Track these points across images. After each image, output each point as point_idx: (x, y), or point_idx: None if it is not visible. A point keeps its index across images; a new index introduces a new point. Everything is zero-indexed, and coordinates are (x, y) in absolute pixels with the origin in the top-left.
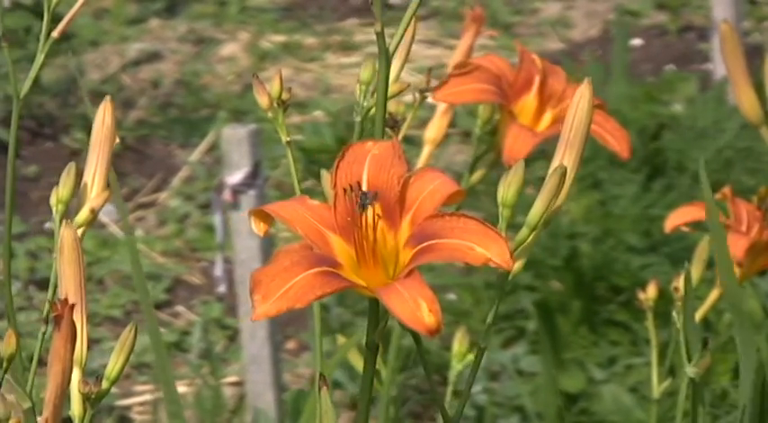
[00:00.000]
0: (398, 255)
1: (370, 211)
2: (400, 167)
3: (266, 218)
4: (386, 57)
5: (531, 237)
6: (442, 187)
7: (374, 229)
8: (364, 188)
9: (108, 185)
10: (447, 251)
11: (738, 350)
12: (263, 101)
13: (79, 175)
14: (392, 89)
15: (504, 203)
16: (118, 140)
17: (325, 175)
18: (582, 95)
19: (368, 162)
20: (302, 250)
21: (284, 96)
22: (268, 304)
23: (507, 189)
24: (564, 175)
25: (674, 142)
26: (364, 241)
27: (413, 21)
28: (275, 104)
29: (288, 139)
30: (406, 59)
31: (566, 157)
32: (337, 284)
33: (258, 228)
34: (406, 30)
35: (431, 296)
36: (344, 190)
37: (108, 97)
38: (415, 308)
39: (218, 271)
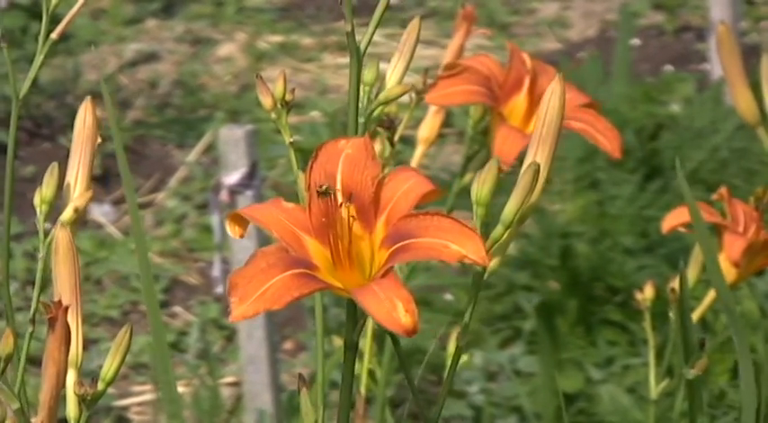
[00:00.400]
0: (374, 255)
1: (344, 212)
2: (374, 168)
3: (242, 221)
4: (357, 56)
5: (506, 234)
6: (416, 186)
7: (349, 230)
8: (338, 189)
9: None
10: (422, 250)
11: (737, 355)
12: (266, 101)
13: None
14: (395, 91)
15: (478, 202)
16: (100, 140)
17: (301, 177)
18: (553, 92)
19: (341, 162)
20: (278, 252)
21: (287, 97)
22: (245, 306)
23: (481, 187)
24: (537, 171)
25: (671, 142)
26: (339, 242)
27: (417, 21)
28: (278, 105)
29: (291, 139)
30: (410, 61)
31: (538, 153)
32: (313, 286)
33: (233, 231)
34: (375, 29)
35: (407, 296)
36: (318, 191)
37: (89, 98)
38: (390, 308)
39: (216, 271)
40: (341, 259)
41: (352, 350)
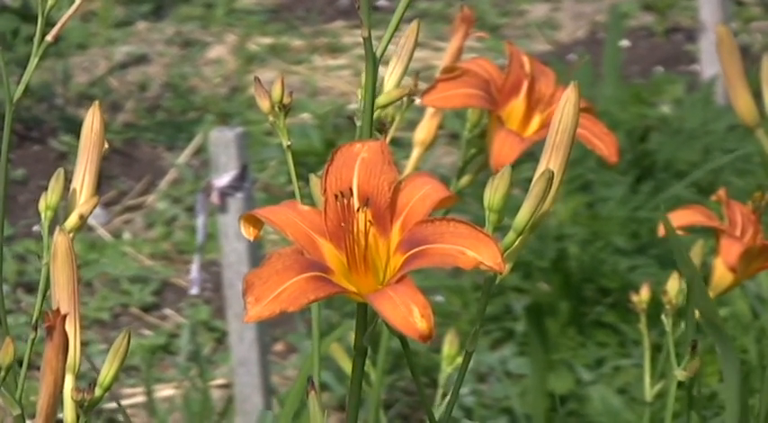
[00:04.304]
0: (389, 260)
1: (360, 216)
2: (390, 172)
3: (256, 222)
4: (373, 62)
5: (518, 241)
6: (432, 192)
7: (365, 234)
8: (355, 194)
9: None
10: (438, 256)
11: (722, 366)
12: (263, 104)
13: (67, 178)
14: (393, 94)
15: (490, 208)
16: (107, 145)
17: (315, 180)
18: (568, 99)
19: (357, 167)
20: (294, 254)
21: (285, 100)
22: (260, 306)
23: (494, 193)
24: (551, 179)
25: (662, 144)
26: (355, 247)
27: (416, 25)
28: (276, 108)
29: (289, 142)
30: (408, 64)
31: (552, 160)
32: (329, 290)
33: (248, 232)
34: (393, 35)
35: (423, 301)
36: (335, 196)
37: (96, 102)
38: (406, 313)
39: (194, 273)
40: (356, 263)
41: (361, 355)
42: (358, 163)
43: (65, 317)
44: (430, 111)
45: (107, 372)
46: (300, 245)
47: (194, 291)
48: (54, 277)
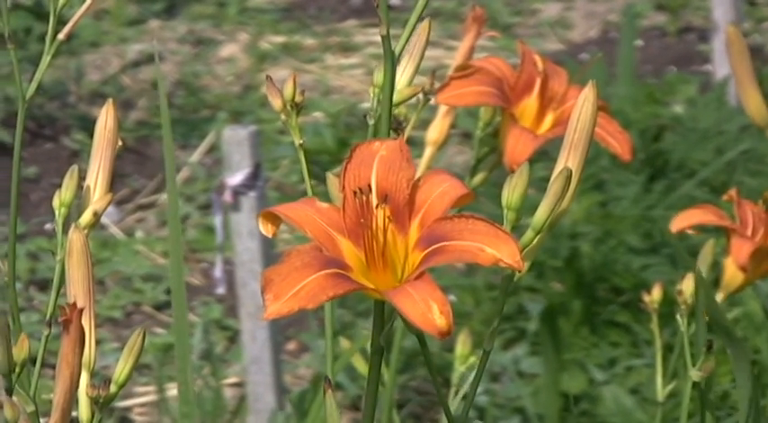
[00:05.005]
0: (407, 257)
1: (379, 213)
2: (409, 170)
3: (274, 219)
4: (391, 60)
5: (536, 239)
6: (451, 190)
7: (383, 231)
8: (374, 191)
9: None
10: (457, 253)
11: (733, 368)
12: (275, 103)
13: (80, 176)
14: (405, 93)
15: (508, 206)
16: (120, 143)
17: (332, 179)
18: (586, 98)
19: (376, 164)
20: (313, 251)
21: (297, 99)
22: (279, 303)
23: (512, 192)
24: (569, 177)
25: (675, 144)
26: (374, 243)
27: (428, 24)
28: (288, 107)
29: (301, 141)
30: (420, 63)
31: (570, 159)
32: (348, 286)
33: (266, 229)
34: (411, 33)
35: (442, 298)
36: (354, 193)
37: (110, 100)
38: (426, 310)
39: (218, 272)
40: (374, 260)
41: (378, 354)
42: (377, 160)
43: (81, 311)
44: (442, 110)
45: (122, 368)
46: (319, 242)
47: (220, 290)
48: (69, 274)
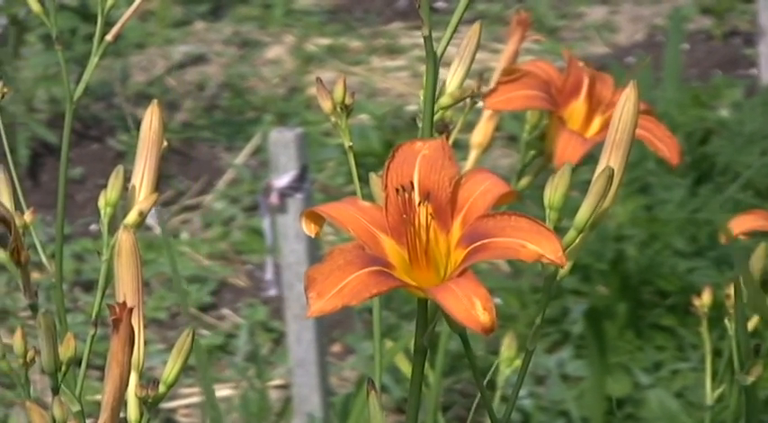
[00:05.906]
0: (450, 255)
1: (421, 211)
2: (451, 168)
3: (317, 219)
4: (433, 60)
5: (578, 239)
6: (493, 188)
7: (426, 229)
8: (416, 189)
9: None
10: (500, 249)
11: None
12: (325, 105)
13: (126, 177)
14: (456, 95)
15: (550, 206)
16: (165, 143)
17: (375, 179)
18: (628, 97)
19: (418, 162)
20: (355, 249)
21: (347, 101)
22: (323, 301)
23: (554, 192)
24: (611, 176)
25: (721, 147)
26: (416, 241)
27: (478, 27)
28: (338, 109)
29: (350, 143)
30: (471, 66)
31: (612, 158)
32: (390, 284)
33: (309, 229)
34: (453, 34)
35: (485, 294)
36: (396, 191)
37: (155, 101)
38: (469, 306)
39: (269, 274)
40: (417, 258)
41: (421, 354)
42: (419, 159)
43: (131, 310)
44: (487, 113)
45: (171, 368)
46: (361, 240)
47: (273, 292)
48: (118, 274)
